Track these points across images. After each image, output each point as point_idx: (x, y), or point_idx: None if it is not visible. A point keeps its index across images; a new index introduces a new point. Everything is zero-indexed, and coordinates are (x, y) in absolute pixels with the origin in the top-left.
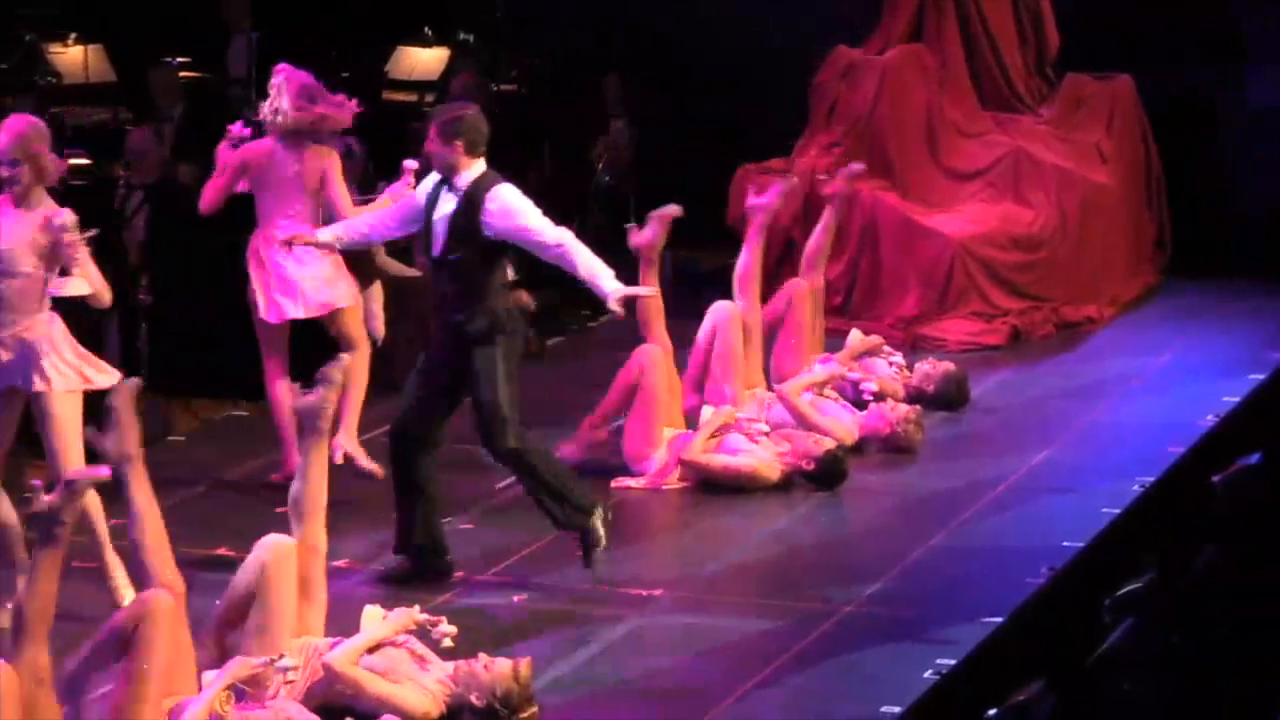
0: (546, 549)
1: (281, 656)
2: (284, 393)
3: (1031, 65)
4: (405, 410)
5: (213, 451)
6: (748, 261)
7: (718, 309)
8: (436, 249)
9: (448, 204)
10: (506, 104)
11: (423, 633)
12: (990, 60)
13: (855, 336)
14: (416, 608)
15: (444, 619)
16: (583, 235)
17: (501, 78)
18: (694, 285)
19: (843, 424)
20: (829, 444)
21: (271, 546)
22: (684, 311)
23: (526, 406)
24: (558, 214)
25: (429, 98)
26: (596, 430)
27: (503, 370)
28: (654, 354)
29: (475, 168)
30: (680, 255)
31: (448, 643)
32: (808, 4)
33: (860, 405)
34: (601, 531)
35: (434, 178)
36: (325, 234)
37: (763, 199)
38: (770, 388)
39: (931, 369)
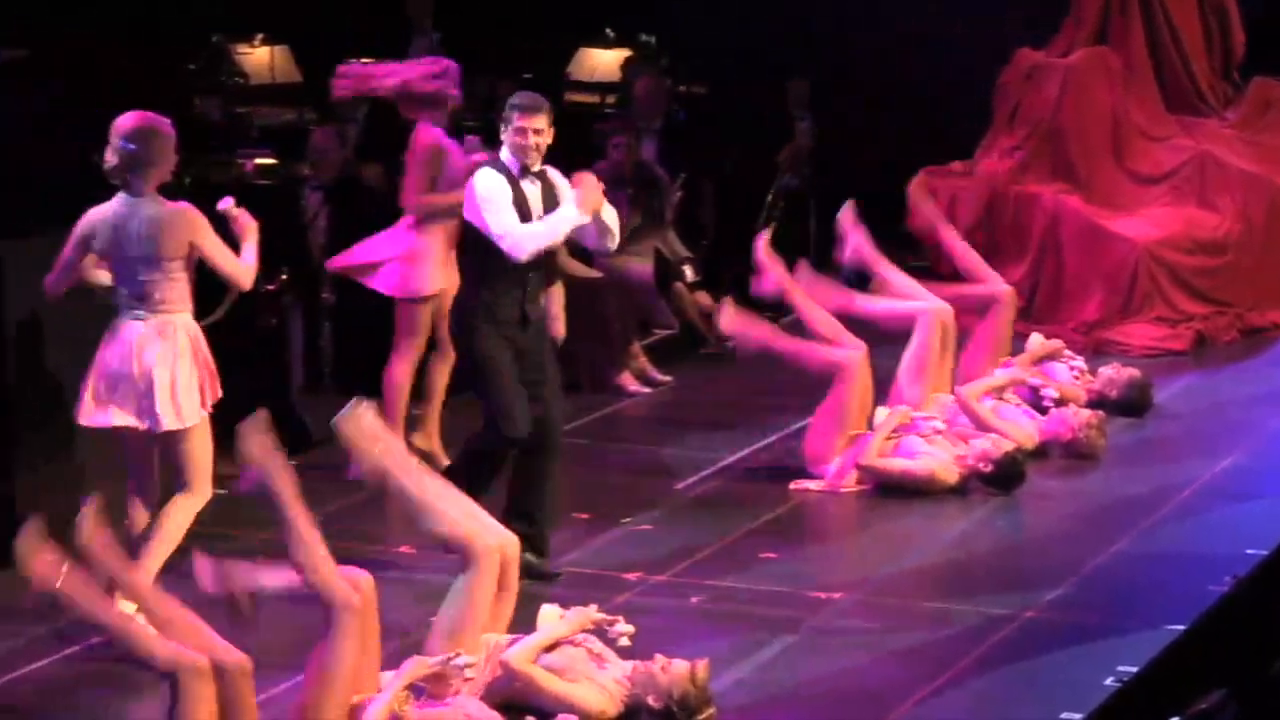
0: (725, 550)
1: (458, 654)
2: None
3: (1218, 68)
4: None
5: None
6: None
7: (923, 310)
8: None
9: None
10: (689, 105)
11: (600, 631)
12: (1176, 63)
13: (1035, 340)
14: (594, 607)
15: (621, 618)
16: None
17: (683, 79)
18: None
19: (1023, 429)
20: (1007, 445)
21: (481, 538)
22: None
23: (716, 408)
24: (738, 215)
25: (610, 99)
26: None
27: None
28: (854, 359)
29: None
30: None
31: (624, 641)
32: (992, 6)
33: (1041, 410)
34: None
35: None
36: None
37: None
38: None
39: (1115, 374)
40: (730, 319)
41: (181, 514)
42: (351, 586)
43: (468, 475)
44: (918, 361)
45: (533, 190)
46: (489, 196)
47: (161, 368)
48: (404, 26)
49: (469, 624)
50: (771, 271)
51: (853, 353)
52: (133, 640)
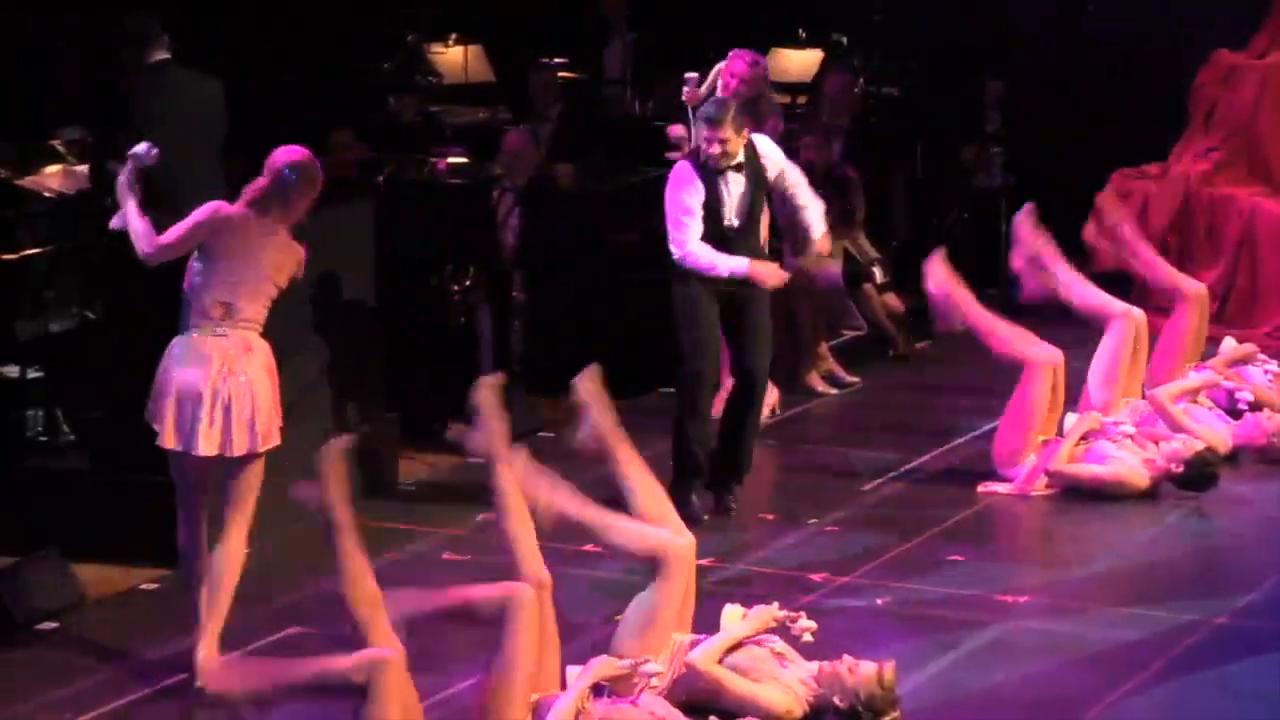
0: (912, 552)
1: (647, 660)
2: None
3: None
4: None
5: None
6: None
7: (1118, 313)
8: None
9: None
10: (881, 105)
11: (783, 629)
12: None
13: (1229, 344)
14: (776, 604)
15: (803, 614)
16: (955, 237)
17: (875, 79)
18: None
19: (1217, 432)
20: (1197, 445)
21: (673, 542)
22: (1054, 315)
23: (903, 410)
24: (926, 214)
25: (801, 99)
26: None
27: None
28: (1045, 358)
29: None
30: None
31: (808, 638)
32: (1190, 6)
33: (1235, 415)
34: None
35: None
36: None
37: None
38: (1144, 395)
39: None
40: (939, 278)
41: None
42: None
43: (680, 425)
44: (1109, 365)
45: (735, 177)
46: (675, 200)
47: (257, 385)
48: (599, 26)
49: (658, 628)
50: (946, 293)
51: (1045, 352)
52: (323, 672)
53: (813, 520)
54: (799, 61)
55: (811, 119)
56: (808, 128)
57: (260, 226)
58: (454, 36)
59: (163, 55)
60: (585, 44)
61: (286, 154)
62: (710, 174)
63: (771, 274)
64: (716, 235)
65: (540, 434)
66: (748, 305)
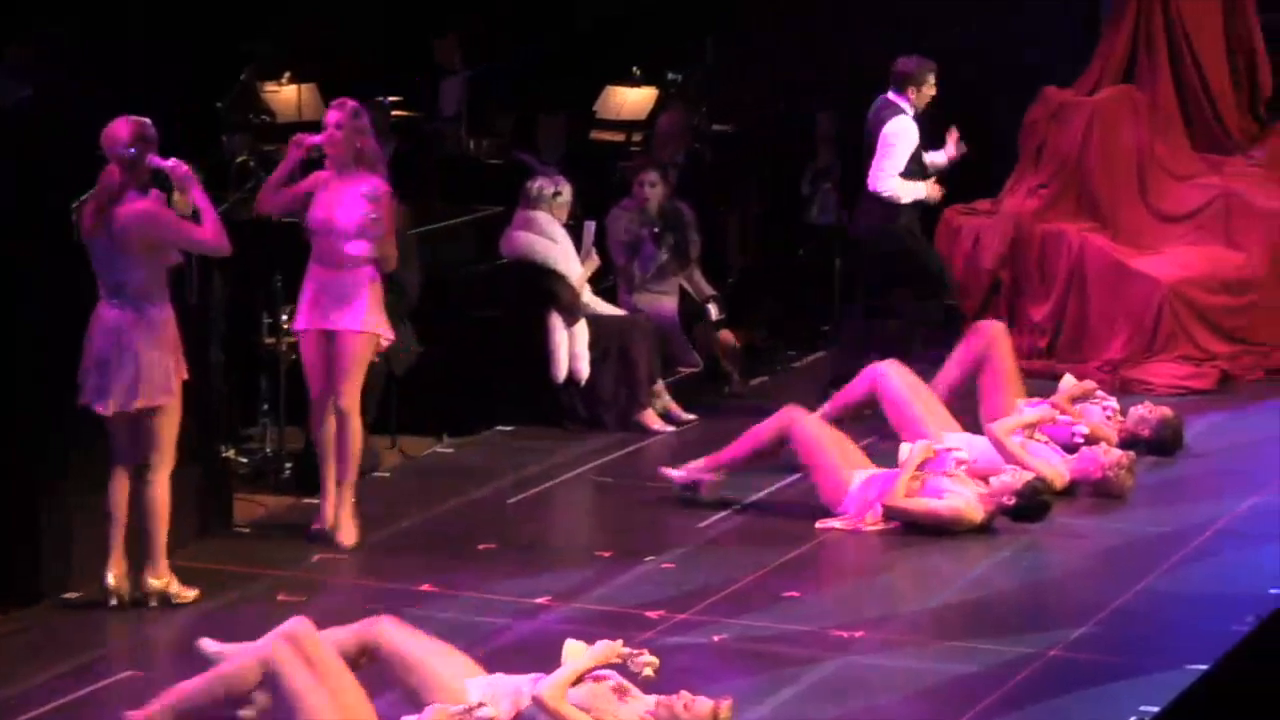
0: (748, 589)
1: (481, 705)
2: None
3: (1245, 107)
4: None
5: (416, 488)
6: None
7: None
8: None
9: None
10: (714, 142)
11: (623, 666)
12: (1202, 100)
13: (1069, 381)
14: (620, 641)
15: (645, 650)
16: (789, 273)
17: (710, 116)
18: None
19: (1054, 466)
20: (1027, 476)
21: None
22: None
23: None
24: (765, 249)
25: (636, 137)
26: (711, 473)
27: None
28: (797, 417)
29: None
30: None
31: (648, 672)
32: (1018, 43)
33: (1071, 449)
34: None
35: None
36: None
37: None
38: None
39: (1148, 413)
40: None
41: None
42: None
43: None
44: (919, 405)
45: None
46: (895, 143)
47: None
48: (433, 67)
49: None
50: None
51: (793, 414)
52: (231, 678)
53: (650, 557)
54: (633, 99)
55: (646, 157)
56: (643, 165)
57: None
58: (288, 75)
59: None
60: (419, 83)
61: (121, 131)
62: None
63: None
64: None
65: (375, 474)
66: None
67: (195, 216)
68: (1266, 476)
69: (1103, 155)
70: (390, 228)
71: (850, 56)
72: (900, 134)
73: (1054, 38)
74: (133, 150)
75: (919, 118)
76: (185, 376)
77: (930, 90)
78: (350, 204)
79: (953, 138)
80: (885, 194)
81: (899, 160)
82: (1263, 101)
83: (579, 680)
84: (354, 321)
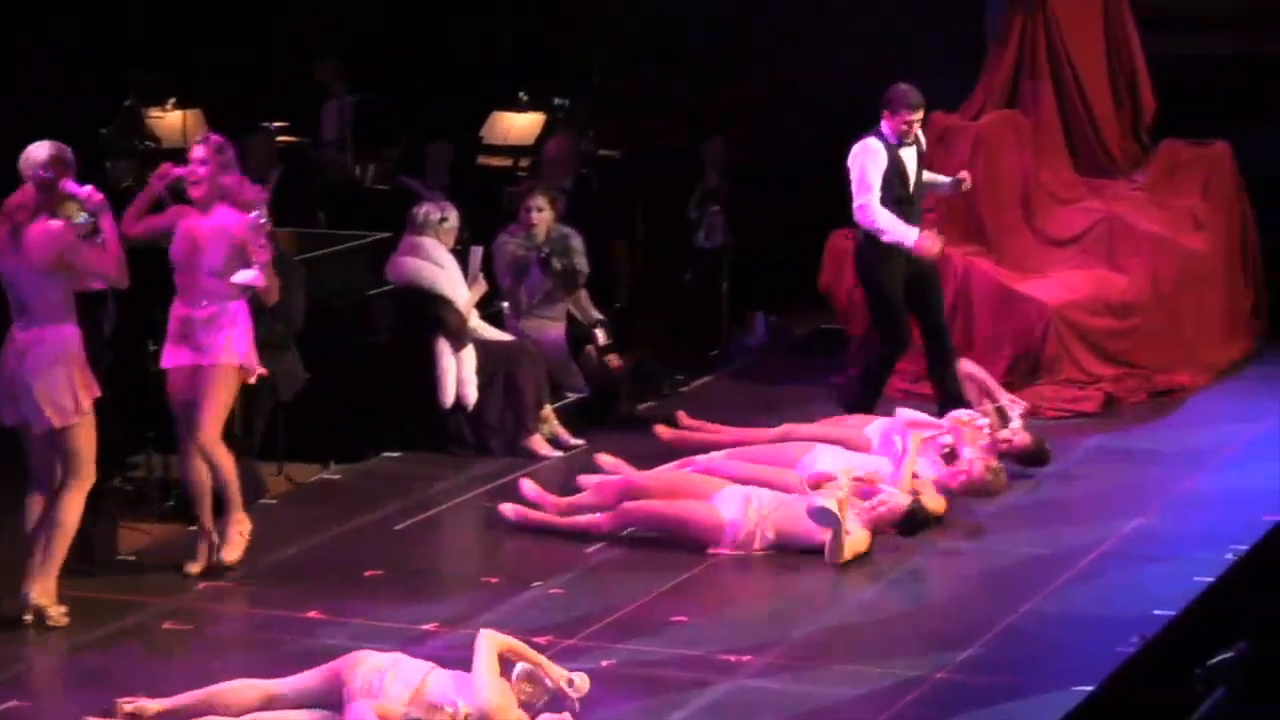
0: (636, 614)
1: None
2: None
3: (1127, 130)
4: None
5: (303, 514)
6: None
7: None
8: (913, 190)
9: (911, 153)
10: (601, 168)
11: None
12: (1085, 125)
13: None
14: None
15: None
16: (677, 297)
17: (597, 142)
18: (790, 351)
19: (934, 492)
20: (905, 500)
21: None
22: (778, 377)
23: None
24: (653, 273)
25: (523, 162)
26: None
27: None
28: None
29: None
30: (773, 320)
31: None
32: (904, 69)
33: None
34: None
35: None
36: None
37: None
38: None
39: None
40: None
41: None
42: None
43: (866, 383)
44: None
45: (909, 154)
46: (852, 165)
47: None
48: (317, 91)
49: None
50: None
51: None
52: None
53: (537, 583)
54: (520, 125)
55: (533, 182)
56: (530, 190)
57: None
58: (172, 101)
59: None
60: (303, 108)
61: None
62: (892, 145)
63: (932, 244)
64: None
65: (262, 501)
66: (926, 272)
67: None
68: (1150, 498)
69: (987, 180)
70: (270, 259)
71: (738, 82)
72: (855, 155)
73: (939, 64)
74: (50, 173)
75: (900, 144)
76: (97, 394)
77: (906, 116)
78: (214, 239)
79: (963, 176)
80: (863, 223)
81: (865, 183)
82: (1145, 125)
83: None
84: (213, 355)
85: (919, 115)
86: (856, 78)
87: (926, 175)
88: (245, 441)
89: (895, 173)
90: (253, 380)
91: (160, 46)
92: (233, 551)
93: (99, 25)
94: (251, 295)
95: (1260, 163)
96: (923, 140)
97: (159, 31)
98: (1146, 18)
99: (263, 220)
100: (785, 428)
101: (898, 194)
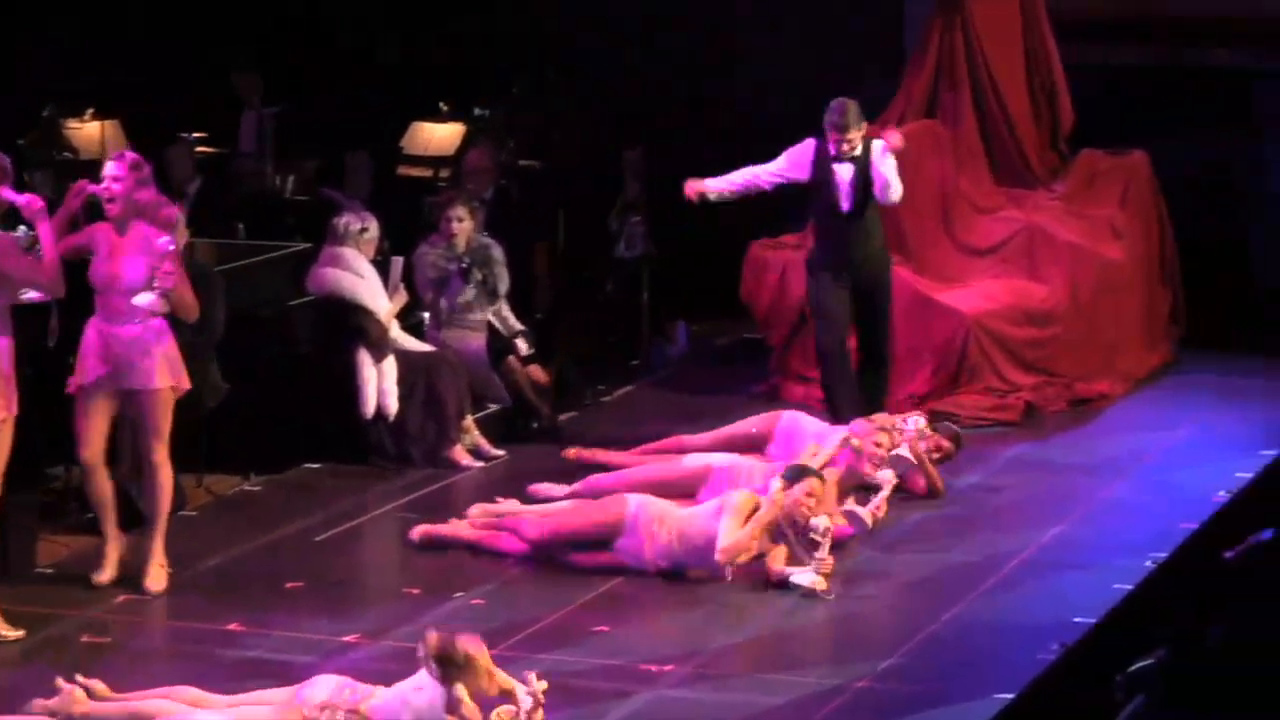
0: (557, 624)
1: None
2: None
3: (1046, 140)
4: (833, 327)
5: (223, 526)
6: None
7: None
8: (847, 205)
9: (846, 170)
10: (521, 178)
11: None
12: (1005, 135)
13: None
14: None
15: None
16: (597, 307)
17: (517, 152)
18: (711, 360)
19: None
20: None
21: None
22: (700, 386)
23: (540, 478)
24: (573, 284)
25: (443, 173)
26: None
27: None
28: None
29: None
30: (695, 330)
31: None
32: (825, 79)
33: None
34: None
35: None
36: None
37: None
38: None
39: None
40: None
41: None
42: None
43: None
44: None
45: (843, 169)
46: (788, 150)
47: None
48: (234, 102)
49: None
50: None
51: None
52: None
53: (459, 594)
54: (440, 135)
55: (454, 192)
56: (451, 201)
57: None
58: (91, 111)
59: None
60: (223, 119)
61: None
62: (828, 158)
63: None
64: None
65: (182, 513)
66: (869, 286)
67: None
68: (1070, 506)
69: (907, 189)
70: (182, 279)
71: (658, 93)
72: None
73: (858, 73)
74: None
75: (838, 157)
76: (14, 411)
77: (833, 136)
78: (133, 258)
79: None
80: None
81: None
82: (1063, 135)
83: None
84: (150, 379)
85: (847, 137)
86: (777, 87)
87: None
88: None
89: (822, 181)
90: (180, 394)
91: (79, 55)
92: (156, 582)
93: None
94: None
95: (1177, 172)
96: (876, 158)
97: (77, 40)
98: (1064, 27)
99: (171, 247)
100: (677, 439)
101: (828, 204)
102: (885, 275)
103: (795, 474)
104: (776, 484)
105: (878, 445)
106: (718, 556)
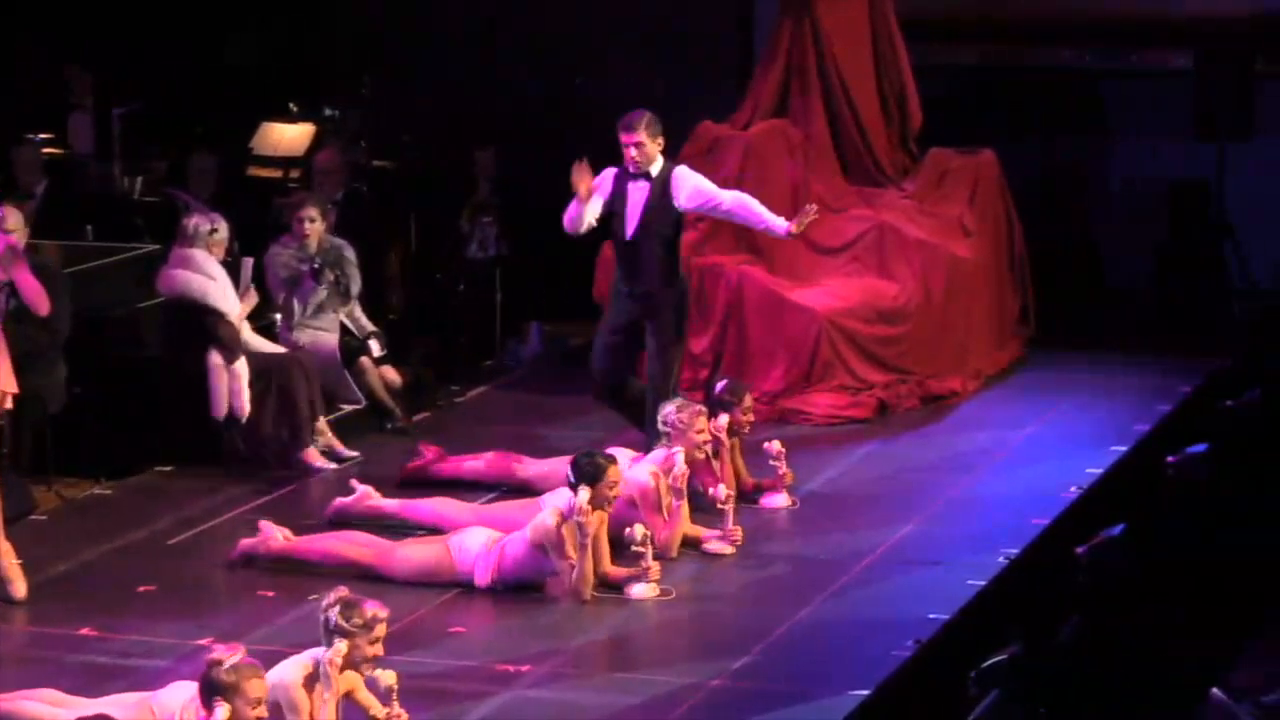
0: (413, 625)
1: None
2: None
3: (895, 140)
4: (604, 360)
5: (74, 530)
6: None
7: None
8: (630, 232)
9: (639, 192)
10: (372, 179)
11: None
12: (854, 135)
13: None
14: None
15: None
16: (450, 308)
17: (369, 153)
18: (564, 360)
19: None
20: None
21: None
22: (553, 387)
23: (402, 484)
24: (425, 284)
25: (294, 173)
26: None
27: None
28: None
29: (661, 159)
30: (548, 330)
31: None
32: (674, 79)
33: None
34: None
35: (610, 173)
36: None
37: None
38: None
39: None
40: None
41: None
42: None
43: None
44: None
45: (635, 187)
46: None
47: None
48: (66, 103)
49: None
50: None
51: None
52: None
53: (313, 596)
54: (290, 136)
55: (305, 193)
56: (302, 201)
57: None
58: None
59: None
60: (52, 119)
61: None
62: (624, 176)
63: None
64: None
65: (32, 517)
66: (651, 318)
67: None
68: (923, 503)
69: (758, 189)
70: (25, 269)
71: (510, 93)
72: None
73: (709, 74)
74: None
75: (635, 173)
76: None
77: (621, 137)
78: None
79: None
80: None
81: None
82: (913, 134)
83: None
84: None
85: (631, 138)
86: (628, 90)
87: (754, 210)
88: (13, 457)
89: (613, 211)
90: (9, 405)
91: None
92: (19, 589)
93: None
94: (16, 306)
95: (1026, 172)
96: (676, 181)
97: None
98: (910, 27)
99: None
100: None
101: (617, 231)
102: (666, 312)
103: (583, 476)
104: (583, 495)
105: (699, 432)
106: (585, 597)
